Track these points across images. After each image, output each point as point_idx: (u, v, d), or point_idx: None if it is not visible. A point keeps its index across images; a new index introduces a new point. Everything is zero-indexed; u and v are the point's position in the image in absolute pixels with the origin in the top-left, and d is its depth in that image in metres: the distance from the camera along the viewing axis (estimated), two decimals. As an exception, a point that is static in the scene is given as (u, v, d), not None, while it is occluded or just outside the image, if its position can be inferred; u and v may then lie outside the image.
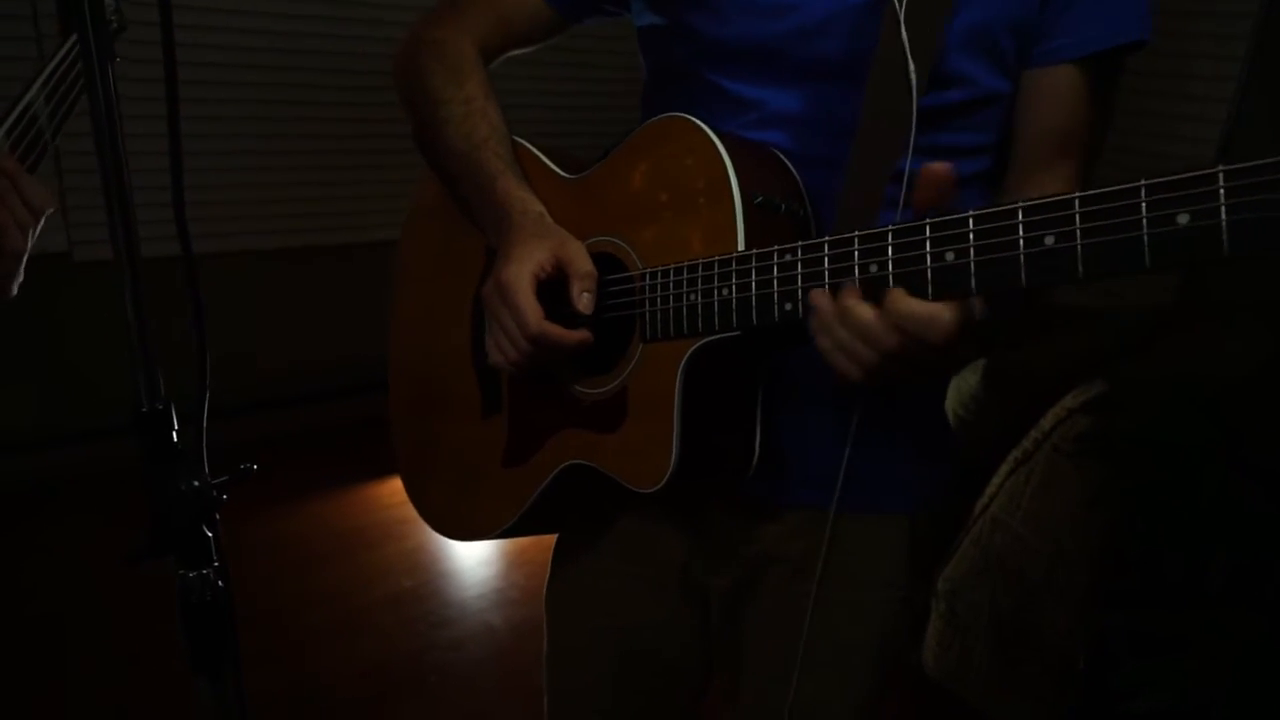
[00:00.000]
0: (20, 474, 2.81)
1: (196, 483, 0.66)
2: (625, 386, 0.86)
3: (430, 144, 0.97)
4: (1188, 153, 3.19)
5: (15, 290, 0.82)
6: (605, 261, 0.88)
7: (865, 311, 0.67)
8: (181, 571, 0.67)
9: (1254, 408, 1.54)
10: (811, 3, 0.82)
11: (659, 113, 0.85)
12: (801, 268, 0.72)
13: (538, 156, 0.97)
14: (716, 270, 0.78)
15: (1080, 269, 0.58)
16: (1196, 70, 3.12)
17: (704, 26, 0.86)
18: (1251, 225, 0.51)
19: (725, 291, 0.77)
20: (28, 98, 0.86)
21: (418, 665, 2.20)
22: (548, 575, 1.07)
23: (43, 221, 0.85)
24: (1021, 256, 0.60)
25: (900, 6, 0.79)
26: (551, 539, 1.07)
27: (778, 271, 0.74)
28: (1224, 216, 0.51)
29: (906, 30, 0.78)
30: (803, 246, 0.72)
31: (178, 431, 0.67)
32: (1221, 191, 0.51)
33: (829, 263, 0.70)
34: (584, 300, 0.84)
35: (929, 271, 0.65)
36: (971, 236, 0.63)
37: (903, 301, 0.65)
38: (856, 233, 0.69)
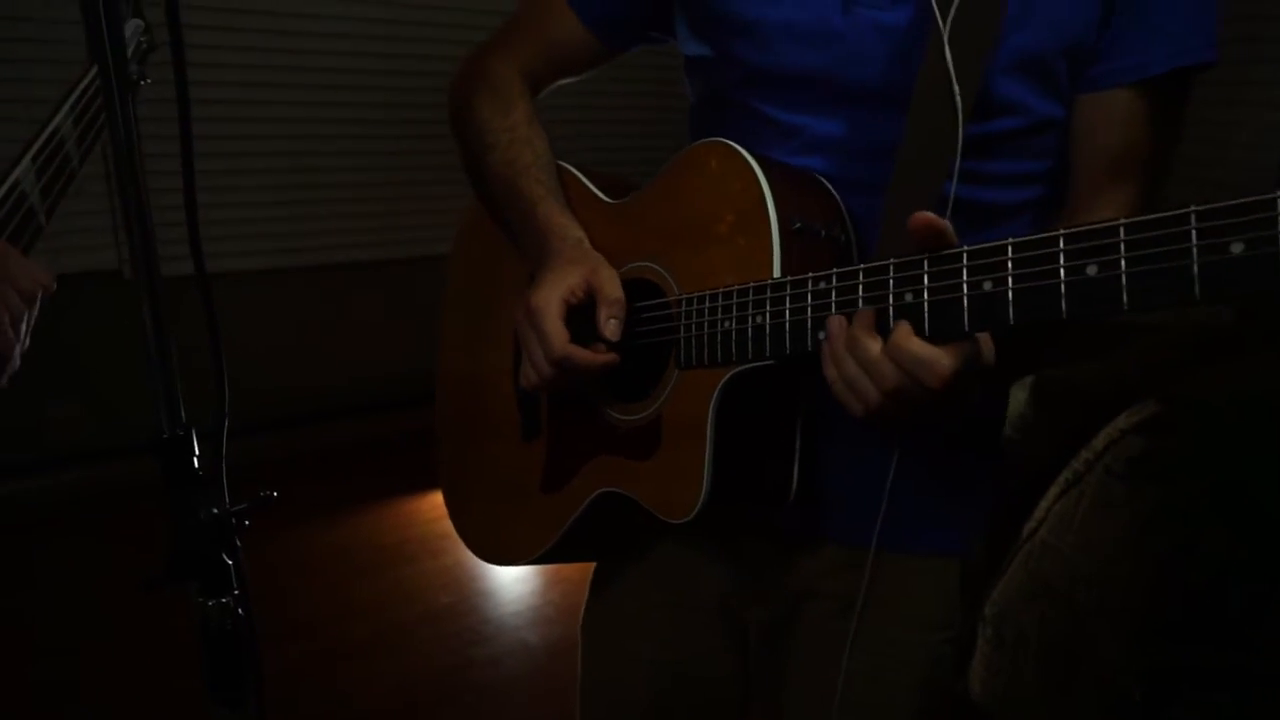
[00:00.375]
0: (72, 488, 2.86)
1: (216, 510, 0.65)
2: (660, 414, 0.84)
3: (476, 171, 0.99)
4: (1243, 159, 3.10)
5: (4, 383, 0.78)
6: (643, 287, 0.88)
7: (872, 345, 0.65)
8: (201, 600, 0.66)
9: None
10: (855, 30, 0.80)
11: (704, 139, 0.85)
12: (836, 295, 0.70)
13: (582, 181, 0.98)
14: (751, 297, 0.76)
15: (1125, 300, 0.55)
16: (1255, 76, 3.03)
17: (747, 55, 0.85)
18: None
19: (759, 319, 0.75)
20: (17, 172, 0.82)
21: (453, 682, 2.19)
22: (585, 600, 1.06)
23: (37, 305, 0.80)
24: (1062, 286, 0.57)
25: (945, 28, 0.76)
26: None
27: (812, 299, 0.72)
28: None
29: (951, 54, 0.75)
30: (837, 274, 0.70)
31: (198, 457, 0.66)
32: None
33: (863, 290, 0.68)
34: (610, 326, 0.83)
35: (965, 300, 0.62)
36: (1010, 265, 0.60)
37: (906, 340, 0.64)
38: (892, 260, 0.67)
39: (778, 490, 0.81)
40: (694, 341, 0.81)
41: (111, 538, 2.62)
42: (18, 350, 0.80)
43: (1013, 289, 0.60)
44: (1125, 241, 0.54)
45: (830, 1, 0.81)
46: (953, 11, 0.76)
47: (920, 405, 0.66)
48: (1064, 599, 1.54)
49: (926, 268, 0.65)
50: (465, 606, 2.49)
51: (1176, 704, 1.46)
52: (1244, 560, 1.37)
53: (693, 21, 0.91)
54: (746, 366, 0.77)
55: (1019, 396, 1.79)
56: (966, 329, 0.63)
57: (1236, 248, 0.50)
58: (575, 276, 0.84)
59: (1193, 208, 0.52)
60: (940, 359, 0.63)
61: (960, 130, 0.75)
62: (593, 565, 1.06)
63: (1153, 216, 0.53)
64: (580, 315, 0.85)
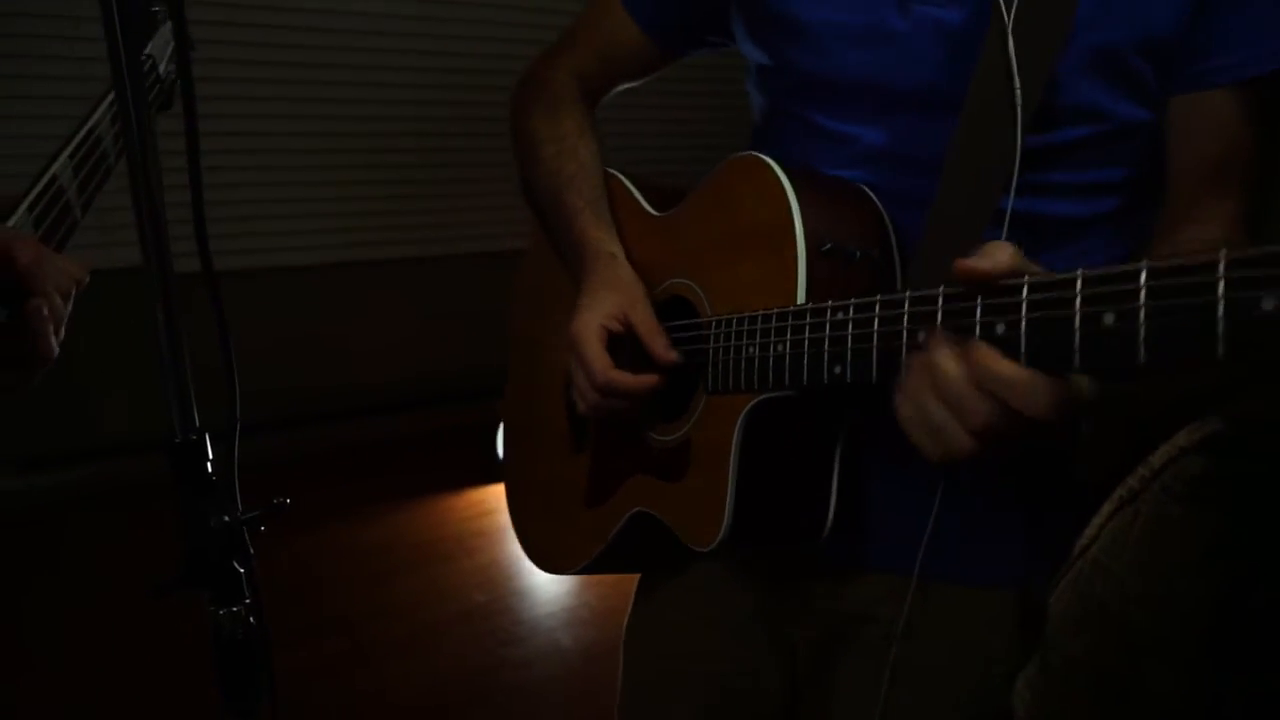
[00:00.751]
0: (114, 476, 2.91)
1: (227, 517, 0.64)
2: (689, 437, 0.82)
3: (527, 180, 1.01)
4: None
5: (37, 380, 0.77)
6: (679, 305, 0.86)
7: (952, 367, 0.57)
8: (213, 608, 0.65)
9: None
10: (912, 29, 0.77)
11: (741, 152, 0.83)
12: (853, 328, 0.66)
13: (629, 191, 0.97)
14: (774, 323, 0.73)
15: (1142, 354, 0.49)
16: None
17: (802, 59, 0.83)
18: None
19: (780, 347, 0.72)
20: (54, 167, 0.80)
21: (485, 683, 2.18)
22: (630, 608, 1.05)
23: (71, 301, 0.78)
24: (1076, 334, 0.52)
25: (1009, 21, 0.71)
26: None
27: (830, 330, 0.68)
28: None
29: (1015, 51, 0.70)
30: (855, 305, 0.66)
31: (211, 461, 0.65)
32: None
33: (879, 324, 0.64)
34: (671, 354, 0.83)
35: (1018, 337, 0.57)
36: (1024, 307, 0.55)
37: (995, 362, 0.56)
38: (907, 294, 0.63)
39: (810, 527, 0.77)
40: (720, 366, 0.79)
41: (155, 527, 2.66)
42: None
43: (1025, 333, 0.55)
44: (1146, 288, 0.49)
45: (887, 1, 0.78)
46: (1015, 6, 0.71)
47: (1010, 441, 0.59)
48: (1116, 623, 1.47)
49: (941, 304, 0.60)
50: (500, 606, 2.48)
51: (1235, 737, 1.39)
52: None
53: (750, 25, 0.89)
54: (771, 395, 0.74)
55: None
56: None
57: (1268, 304, 0.44)
58: (610, 304, 0.85)
59: (1222, 254, 0.46)
60: (1039, 383, 0.55)
61: (1019, 135, 0.70)
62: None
63: (1179, 262, 0.48)
64: (621, 340, 0.85)
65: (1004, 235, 0.71)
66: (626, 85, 1.03)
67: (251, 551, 0.65)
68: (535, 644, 2.34)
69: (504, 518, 1.15)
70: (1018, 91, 0.70)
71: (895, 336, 0.63)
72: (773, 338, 0.73)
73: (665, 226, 0.92)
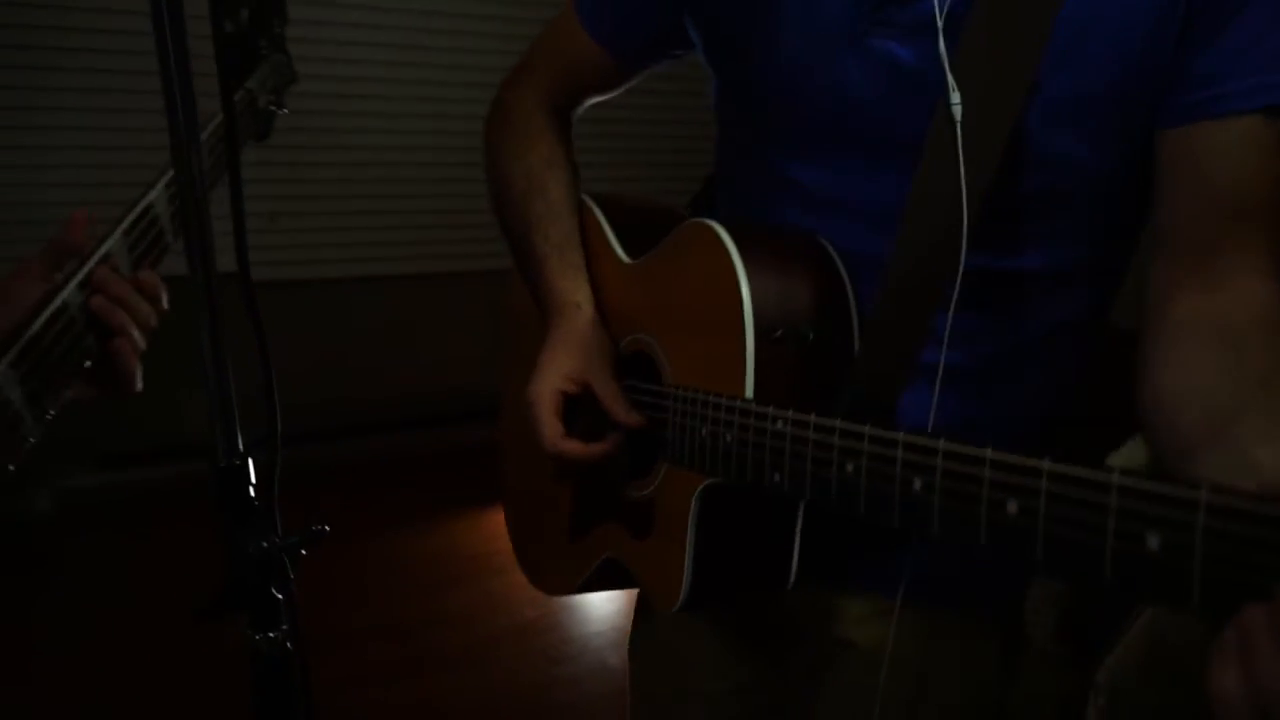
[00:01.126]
0: (185, 476, 3.00)
1: (267, 544, 0.64)
2: (653, 498, 0.82)
3: (499, 217, 0.98)
4: None
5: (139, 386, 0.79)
6: (642, 362, 0.86)
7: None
8: (251, 633, 0.65)
9: None
10: (864, 64, 0.73)
11: (723, 182, 0.82)
12: (790, 442, 0.65)
13: (602, 229, 0.95)
14: (723, 413, 0.72)
15: (1040, 554, 0.47)
16: None
17: (751, 90, 0.82)
18: (1223, 583, 0.40)
19: (728, 437, 0.71)
20: (151, 195, 0.83)
21: (534, 700, 2.19)
22: (631, 622, 1.04)
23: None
24: (983, 518, 0.51)
25: (948, 68, 0.66)
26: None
27: (770, 438, 0.67)
28: (1198, 552, 0.40)
29: (968, 101, 0.67)
30: (792, 420, 0.65)
31: (254, 487, 0.65)
32: (1202, 517, 0.40)
33: (813, 449, 0.63)
34: (632, 417, 0.82)
35: (896, 493, 0.57)
36: (940, 468, 0.53)
37: None
38: (838, 424, 0.61)
39: (775, 580, 0.76)
40: (676, 440, 0.78)
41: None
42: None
43: (939, 500, 0.54)
44: (1047, 492, 0.47)
45: (841, 27, 0.74)
46: (964, 50, 0.67)
47: None
48: (1190, 675, 1.39)
49: (866, 443, 0.59)
50: (550, 622, 2.48)
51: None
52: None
53: (704, 43, 0.87)
54: (722, 480, 0.73)
55: (1139, 456, 1.65)
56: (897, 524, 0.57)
57: (1153, 542, 0.42)
58: (568, 365, 0.84)
59: (1116, 476, 0.44)
60: None
61: (964, 187, 0.66)
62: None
63: (1075, 472, 0.46)
64: (579, 399, 0.85)
65: (957, 294, 0.67)
66: (596, 99, 1.00)
67: (291, 576, 0.66)
68: (585, 662, 2.33)
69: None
70: (960, 148, 0.66)
71: (827, 463, 0.61)
72: (721, 427, 0.71)
73: (633, 276, 0.89)
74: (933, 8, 0.69)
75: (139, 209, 0.83)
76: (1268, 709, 0.40)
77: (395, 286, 3.30)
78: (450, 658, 2.31)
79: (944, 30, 0.68)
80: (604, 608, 2.55)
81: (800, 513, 0.74)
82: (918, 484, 0.55)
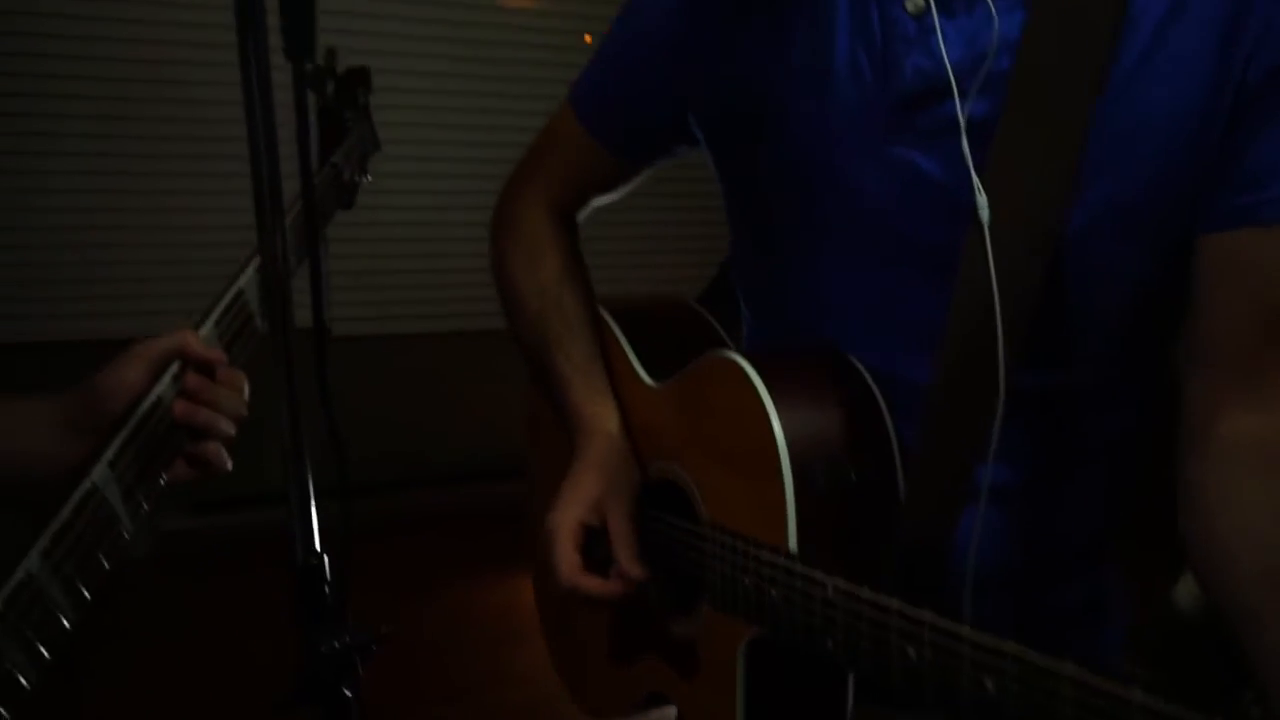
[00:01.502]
0: (275, 524, 3.08)
1: (338, 644, 0.66)
2: (697, 639, 0.79)
3: (515, 334, 0.96)
4: None
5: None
6: (673, 491, 0.83)
7: None
8: (320, 725, 0.67)
9: None
10: (883, 174, 0.70)
11: (739, 281, 0.80)
12: (843, 615, 0.61)
13: (621, 346, 0.92)
14: (766, 567, 0.68)
15: None
16: None
17: (761, 195, 0.79)
18: None
19: (774, 593, 0.67)
20: (242, 281, 0.87)
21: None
22: None
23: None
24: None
25: (979, 185, 0.63)
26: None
27: (820, 605, 0.63)
28: None
29: (996, 218, 0.63)
30: (844, 590, 0.61)
31: (330, 585, 0.67)
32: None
33: (868, 625, 0.59)
34: (635, 569, 0.78)
35: (966, 688, 0.53)
36: (1010, 672, 0.50)
37: None
38: (895, 604, 0.57)
39: None
40: (718, 585, 0.74)
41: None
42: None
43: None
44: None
45: (856, 130, 0.71)
46: (994, 156, 0.64)
47: None
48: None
49: (929, 633, 0.55)
50: (615, 685, 2.46)
51: None
52: None
53: (710, 144, 0.85)
54: (768, 634, 0.70)
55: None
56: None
57: None
58: (592, 496, 0.81)
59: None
60: None
61: (997, 303, 0.63)
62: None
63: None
64: (599, 532, 0.82)
65: (1001, 415, 0.63)
66: (601, 199, 0.98)
67: (361, 674, 0.68)
68: (648, 725, 2.30)
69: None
70: (992, 270, 0.63)
71: (884, 642, 0.58)
72: (765, 582, 0.67)
73: (658, 400, 0.86)
74: (955, 110, 0.66)
75: (230, 295, 0.88)
76: None
77: (459, 341, 3.37)
78: (513, 717, 2.30)
79: (970, 133, 0.66)
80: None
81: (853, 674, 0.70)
82: (990, 684, 0.51)
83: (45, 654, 0.59)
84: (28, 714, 0.57)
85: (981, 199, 0.64)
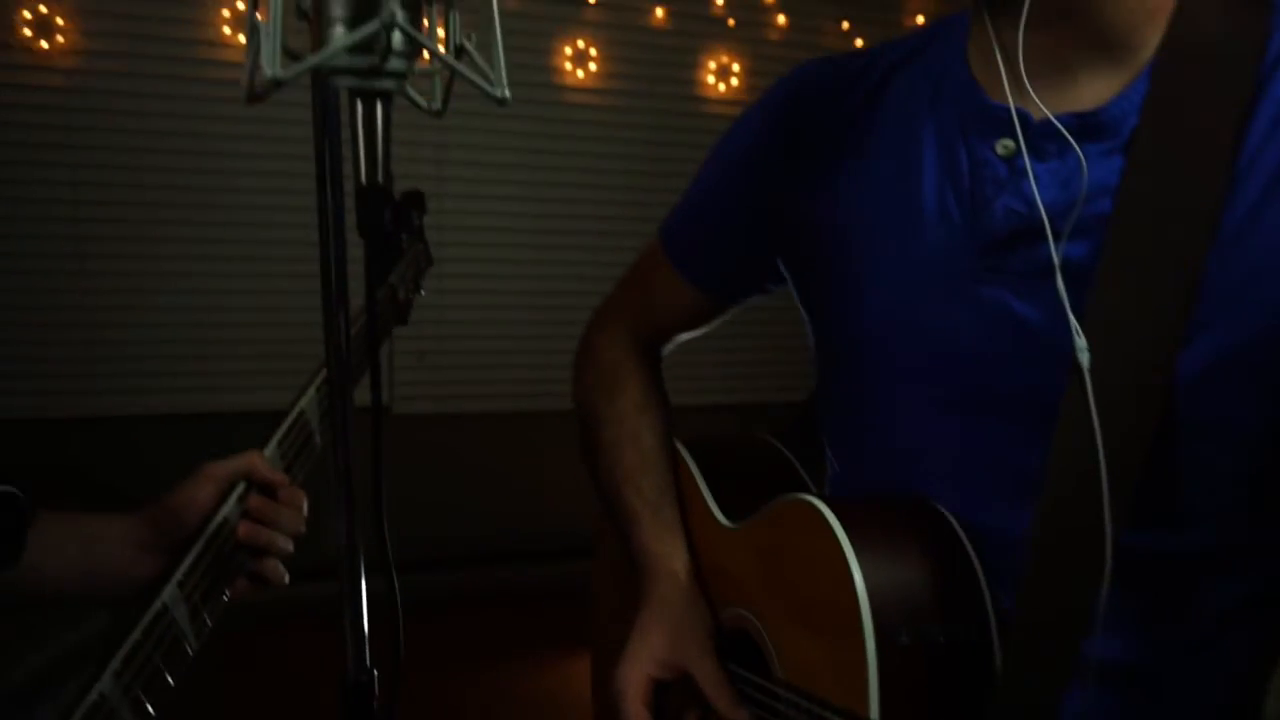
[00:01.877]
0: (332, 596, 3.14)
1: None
2: None
3: (588, 463, 0.95)
4: None
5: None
6: (743, 640, 0.79)
7: None
8: None
9: None
10: (975, 317, 0.68)
11: (824, 425, 0.78)
12: None
13: (696, 483, 0.89)
14: None
15: None
16: None
17: (845, 336, 0.78)
18: None
19: None
20: (303, 403, 0.93)
21: None
22: None
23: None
24: None
25: (1078, 333, 0.60)
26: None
27: None
28: None
29: (1097, 368, 0.60)
30: None
31: (378, 701, 0.70)
32: None
33: None
34: (740, 715, 0.75)
35: None
36: None
37: None
38: None
39: None
40: None
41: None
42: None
43: None
44: None
45: (946, 271, 0.70)
46: (1095, 300, 0.61)
47: None
48: None
49: None
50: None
51: None
52: None
53: (798, 285, 0.85)
54: None
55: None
56: None
57: None
58: (663, 649, 0.79)
59: None
60: None
61: (1102, 458, 0.59)
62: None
63: None
64: (670, 686, 0.79)
65: (1108, 581, 0.58)
66: (687, 335, 0.97)
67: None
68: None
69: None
70: (1097, 427, 0.59)
71: None
72: None
73: (732, 543, 0.82)
74: (1049, 253, 0.64)
75: (292, 416, 0.94)
76: None
77: (523, 421, 3.43)
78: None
79: (1067, 272, 0.63)
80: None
81: None
82: None
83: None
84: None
85: (1081, 342, 0.61)
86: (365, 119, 0.37)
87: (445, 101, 0.41)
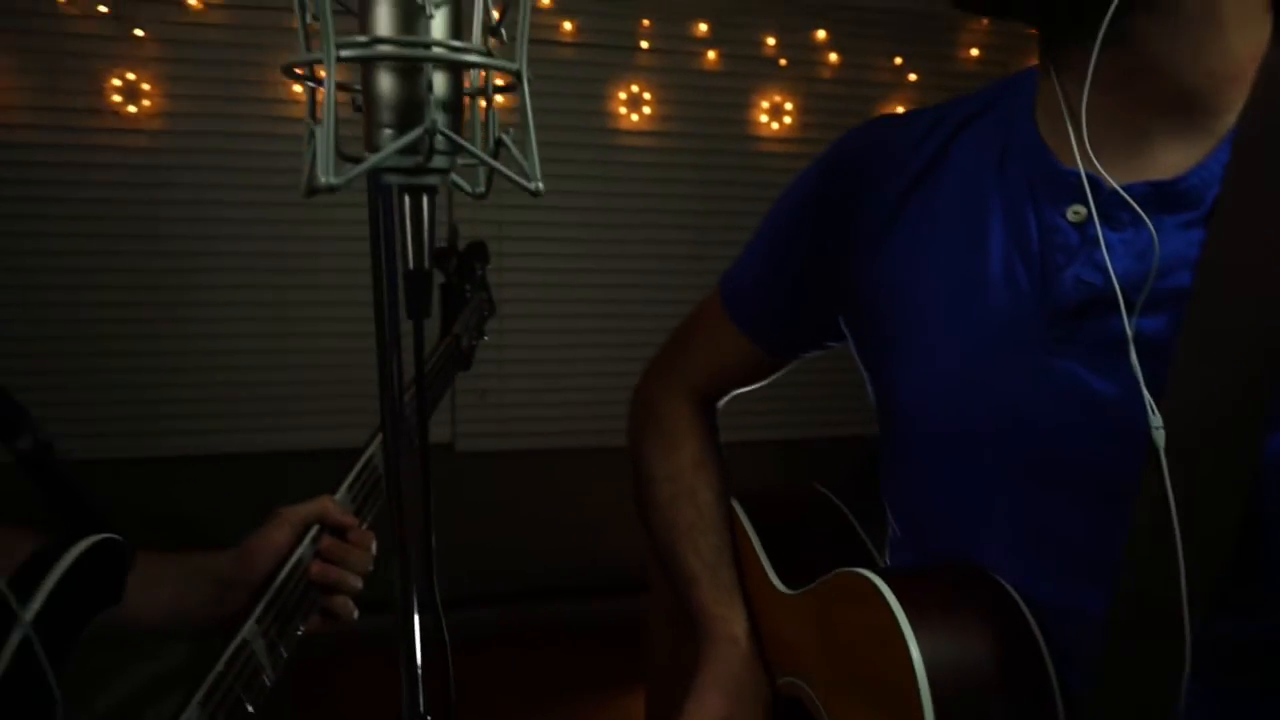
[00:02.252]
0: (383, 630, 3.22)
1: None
2: None
3: (644, 518, 0.94)
4: None
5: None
6: (795, 709, 0.79)
7: None
8: None
9: None
10: (1047, 393, 0.65)
11: (885, 484, 0.76)
12: None
13: (752, 544, 0.87)
14: None
15: None
16: None
17: (910, 392, 0.75)
18: None
19: None
20: (370, 450, 1.00)
21: None
22: None
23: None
24: None
25: (1156, 421, 0.57)
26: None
27: None
28: None
29: (1174, 457, 0.57)
30: None
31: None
32: None
33: None
34: None
35: None
36: None
37: None
38: None
39: None
40: None
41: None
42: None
43: None
44: None
45: (1014, 339, 0.67)
46: (1177, 375, 0.58)
47: None
48: None
49: None
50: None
51: None
52: None
53: (858, 344, 0.83)
54: None
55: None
56: None
57: None
58: (721, 712, 0.78)
59: None
60: None
61: (1179, 539, 0.56)
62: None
63: None
64: None
65: (1188, 673, 0.55)
66: (743, 390, 0.96)
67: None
68: None
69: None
70: (1176, 525, 0.56)
71: None
72: None
73: (788, 609, 0.80)
74: (1122, 325, 0.61)
75: (360, 463, 1.00)
76: None
77: (591, 457, 3.48)
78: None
79: (1141, 347, 0.60)
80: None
81: None
82: None
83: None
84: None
85: (1156, 420, 0.58)
86: (412, 210, 0.42)
87: (488, 188, 0.46)
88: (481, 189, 0.46)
